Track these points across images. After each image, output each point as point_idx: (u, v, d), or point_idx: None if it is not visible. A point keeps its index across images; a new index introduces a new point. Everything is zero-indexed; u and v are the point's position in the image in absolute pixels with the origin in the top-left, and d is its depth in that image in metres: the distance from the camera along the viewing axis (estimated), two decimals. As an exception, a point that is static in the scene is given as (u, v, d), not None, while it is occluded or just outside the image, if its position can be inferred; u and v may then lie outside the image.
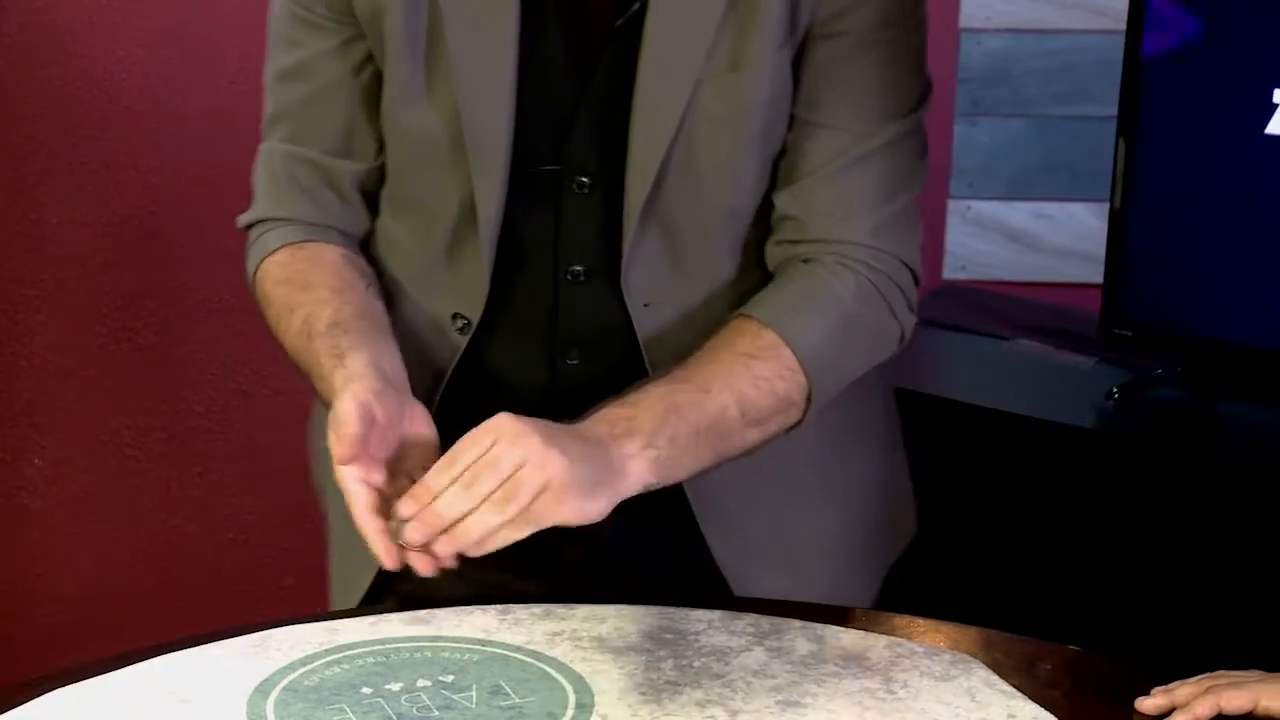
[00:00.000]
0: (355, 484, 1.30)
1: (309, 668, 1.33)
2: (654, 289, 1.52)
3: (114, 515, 2.85)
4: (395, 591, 1.56)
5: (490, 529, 1.26)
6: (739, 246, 1.54)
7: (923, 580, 2.42)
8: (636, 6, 1.45)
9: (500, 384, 1.57)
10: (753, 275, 1.55)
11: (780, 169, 1.52)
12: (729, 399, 1.42)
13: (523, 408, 1.32)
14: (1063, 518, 2.30)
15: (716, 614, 1.44)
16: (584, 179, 1.50)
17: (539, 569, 1.56)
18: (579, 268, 1.52)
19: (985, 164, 3.28)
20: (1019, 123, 3.26)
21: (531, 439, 1.27)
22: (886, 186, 1.53)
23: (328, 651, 1.36)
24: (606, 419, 1.37)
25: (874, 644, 1.40)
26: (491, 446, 1.27)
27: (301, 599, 2.84)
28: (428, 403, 1.44)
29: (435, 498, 1.26)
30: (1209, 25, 2.26)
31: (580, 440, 1.32)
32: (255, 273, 1.57)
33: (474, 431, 1.29)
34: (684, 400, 1.40)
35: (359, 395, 1.32)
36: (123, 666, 1.33)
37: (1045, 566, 2.32)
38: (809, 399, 1.48)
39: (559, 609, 1.44)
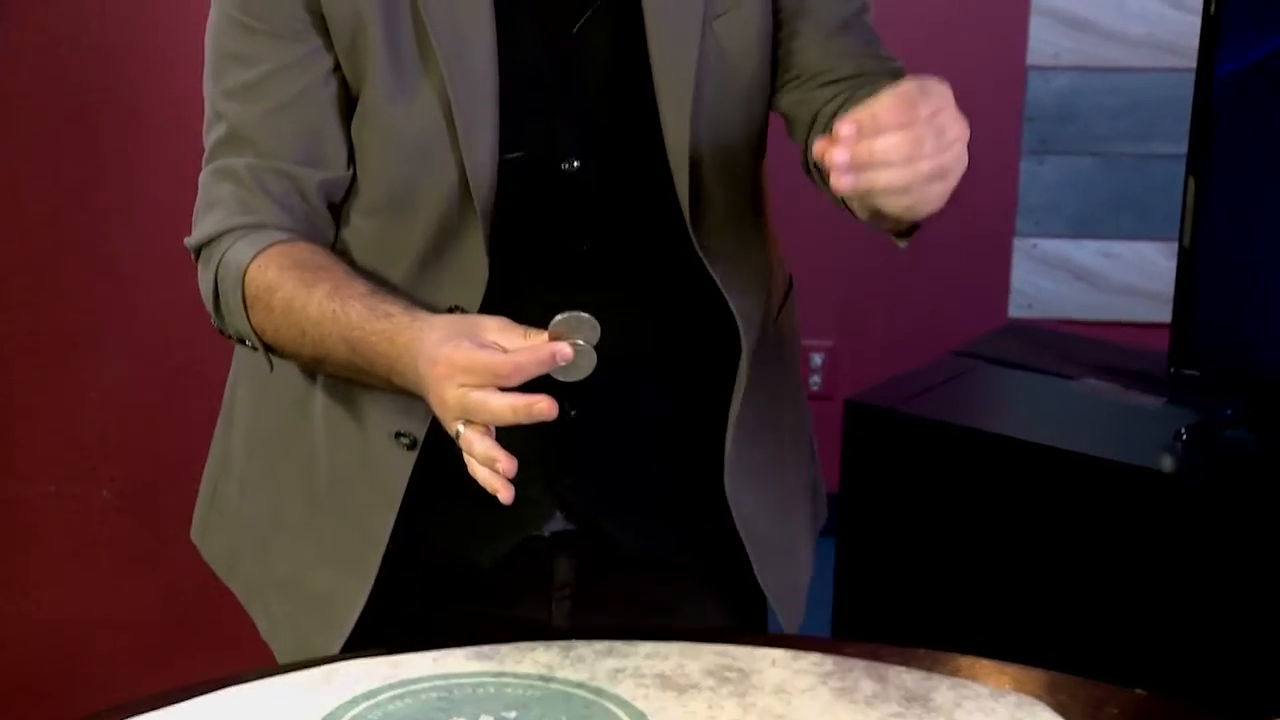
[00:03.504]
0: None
1: (373, 702, 1.34)
2: (722, 241, 1.55)
3: (181, 547, 2.87)
4: None
5: (893, 189, 1.25)
6: (752, 165, 1.60)
7: (987, 620, 2.41)
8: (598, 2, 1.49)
9: None
10: (758, 186, 1.61)
11: (793, 51, 1.57)
12: None
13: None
14: (1130, 559, 2.28)
15: (779, 652, 1.43)
16: (575, 161, 1.52)
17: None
18: (583, 247, 1.54)
19: (1052, 202, 3.27)
20: (1086, 160, 3.25)
21: (965, 123, 1.27)
22: (877, 41, 1.61)
23: (391, 686, 1.36)
24: None
25: (938, 685, 1.39)
26: (937, 112, 1.26)
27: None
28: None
29: (878, 136, 1.24)
30: (1279, 61, 2.25)
31: None
32: (245, 271, 1.48)
33: (915, 95, 1.26)
34: None
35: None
36: (190, 699, 1.34)
37: (1113, 608, 2.30)
38: None
39: (621, 645, 1.44)
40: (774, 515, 1.65)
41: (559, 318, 1.30)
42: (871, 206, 1.36)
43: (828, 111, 1.54)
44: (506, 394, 1.29)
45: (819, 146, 1.25)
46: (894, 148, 1.23)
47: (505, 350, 1.31)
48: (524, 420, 1.29)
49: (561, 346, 1.29)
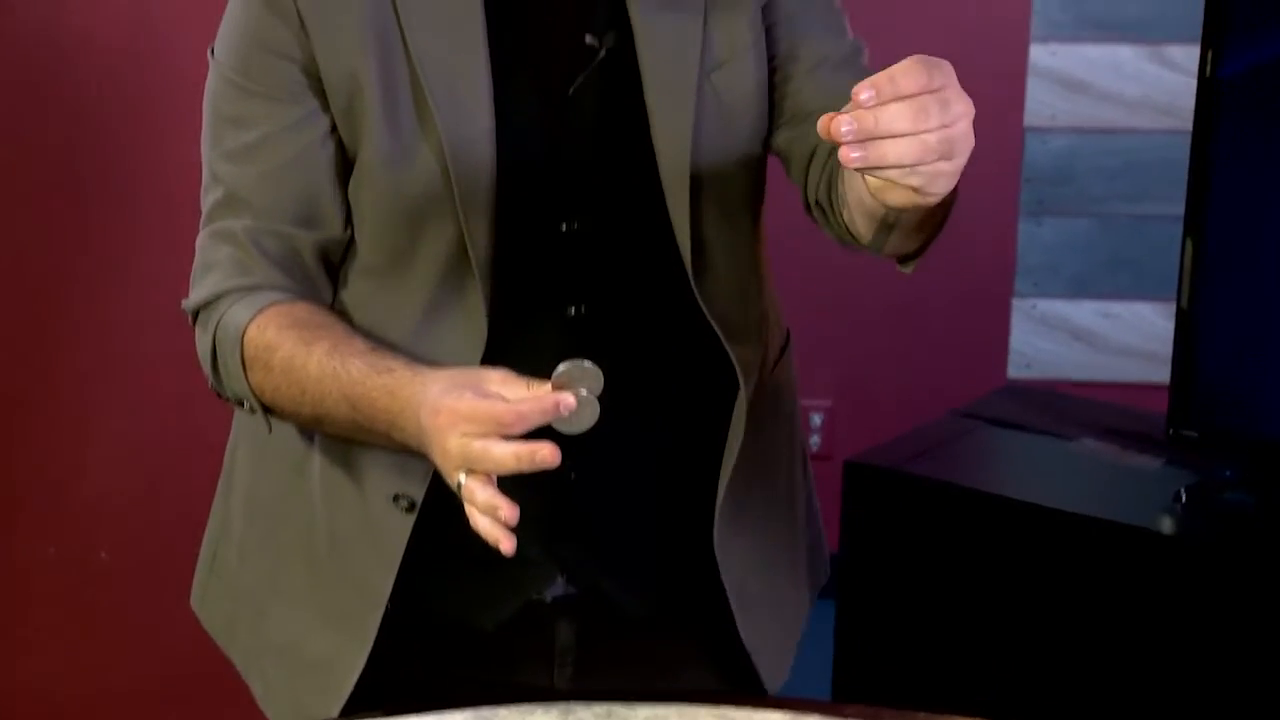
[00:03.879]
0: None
1: (370, 766, 1.33)
2: (724, 291, 1.55)
3: (180, 611, 2.86)
4: None
5: (902, 164, 1.22)
6: (752, 211, 1.60)
7: (987, 681, 2.40)
8: (602, 54, 1.50)
9: None
10: (758, 231, 1.62)
11: (787, 94, 1.58)
12: None
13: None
14: (1129, 621, 2.28)
15: (778, 714, 1.43)
16: (574, 221, 1.53)
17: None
18: (581, 308, 1.54)
19: (1050, 262, 3.27)
20: (1084, 221, 3.25)
21: (970, 101, 1.24)
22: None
23: (388, 750, 1.36)
24: None
25: (938, 748, 1.39)
26: (942, 88, 1.22)
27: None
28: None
29: (886, 103, 1.21)
30: (1276, 124, 2.26)
31: None
32: (244, 332, 1.48)
33: (927, 63, 1.23)
34: None
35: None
36: (185, 763, 1.34)
37: (1112, 669, 2.29)
38: None
39: (620, 709, 1.43)
40: (764, 573, 1.65)
41: (562, 367, 1.30)
42: (877, 211, 1.35)
43: (826, 146, 1.52)
44: (509, 442, 1.28)
45: (823, 121, 1.22)
46: (899, 115, 1.20)
47: (508, 400, 1.30)
48: (527, 468, 1.28)
49: (565, 396, 1.28)
